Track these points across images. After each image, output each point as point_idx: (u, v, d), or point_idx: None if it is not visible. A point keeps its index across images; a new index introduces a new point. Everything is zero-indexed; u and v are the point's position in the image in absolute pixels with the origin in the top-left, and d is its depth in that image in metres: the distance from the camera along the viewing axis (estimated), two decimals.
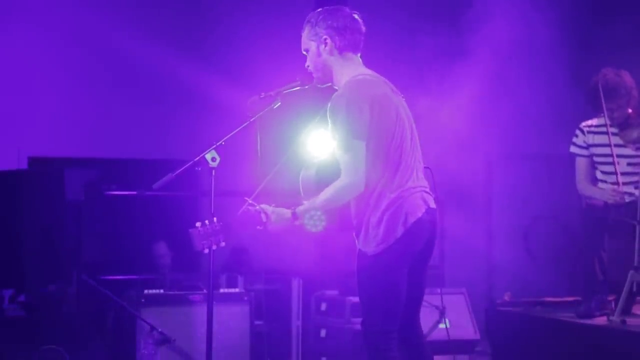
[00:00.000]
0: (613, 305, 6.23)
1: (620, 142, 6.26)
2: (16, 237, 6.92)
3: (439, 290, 6.67)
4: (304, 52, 4.56)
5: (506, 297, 7.14)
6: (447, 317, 6.59)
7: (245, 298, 6.46)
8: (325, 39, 4.47)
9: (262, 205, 4.39)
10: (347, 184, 4.27)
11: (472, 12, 7.57)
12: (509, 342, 6.79)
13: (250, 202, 4.41)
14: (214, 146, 4.57)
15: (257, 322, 6.75)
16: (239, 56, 8.49)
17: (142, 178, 6.42)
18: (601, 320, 6.19)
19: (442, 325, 6.65)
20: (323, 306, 7.30)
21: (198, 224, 4.41)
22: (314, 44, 4.49)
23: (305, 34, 4.53)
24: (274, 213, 4.36)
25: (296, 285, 7.15)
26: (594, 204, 6.35)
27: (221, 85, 8.11)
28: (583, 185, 6.46)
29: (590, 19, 8.44)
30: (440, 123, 7.23)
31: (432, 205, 4.42)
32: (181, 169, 4.56)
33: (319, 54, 4.49)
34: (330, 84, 4.54)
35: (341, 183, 4.28)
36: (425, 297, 4.63)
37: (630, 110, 6.29)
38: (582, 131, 6.44)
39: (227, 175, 4.80)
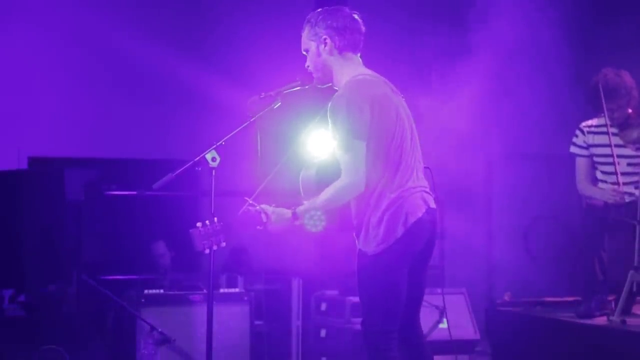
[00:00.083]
0: (613, 305, 6.22)
1: (620, 142, 6.26)
2: (16, 237, 6.92)
3: (439, 290, 6.68)
4: (304, 52, 4.56)
5: (506, 297, 7.14)
6: (447, 317, 6.59)
7: (245, 298, 6.46)
8: (325, 39, 4.47)
9: (263, 206, 4.39)
10: (348, 184, 4.27)
11: (473, 12, 7.57)
12: (509, 342, 6.79)
13: (250, 202, 4.41)
14: (214, 146, 4.56)
15: (257, 322, 6.75)
16: (239, 56, 8.49)
17: (142, 178, 6.42)
18: (601, 320, 6.19)
19: (442, 325, 6.65)
20: (323, 306, 7.29)
21: (199, 224, 4.41)
22: (314, 44, 4.49)
23: (305, 34, 4.53)
24: (274, 213, 4.36)
25: (296, 285, 7.15)
26: (594, 204, 6.35)
27: (221, 85, 8.11)
28: (583, 186, 6.46)
29: (592, 19, 8.42)
30: (440, 123, 7.23)
31: (432, 205, 4.42)
32: (181, 169, 4.56)
33: (318, 54, 4.49)
34: (330, 84, 4.54)
35: (341, 183, 4.28)
36: (425, 297, 4.63)
37: (630, 111, 6.29)
38: (582, 131, 6.44)
39: (227, 175, 4.80)
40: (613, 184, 6.27)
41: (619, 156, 6.22)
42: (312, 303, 7.36)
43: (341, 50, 4.48)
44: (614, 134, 6.25)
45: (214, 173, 4.58)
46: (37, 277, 6.93)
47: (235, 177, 5.73)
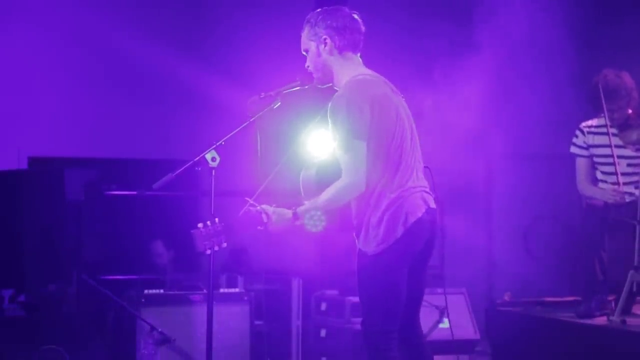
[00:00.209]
0: (613, 305, 6.22)
1: (620, 142, 6.26)
2: (16, 237, 6.92)
3: (439, 290, 6.69)
4: (304, 53, 4.56)
5: (506, 297, 7.14)
6: (447, 317, 6.59)
7: (245, 298, 6.46)
8: (325, 39, 4.47)
9: (263, 206, 4.39)
10: (348, 184, 4.28)
11: (474, 12, 7.57)
12: (509, 342, 6.79)
13: (251, 202, 4.41)
14: (214, 146, 4.57)
15: (257, 322, 6.74)
16: (239, 56, 8.49)
17: (142, 178, 6.42)
18: (601, 320, 6.19)
19: (442, 325, 6.66)
20: (323, 306, 7.30)
21: (200, 225, 4.41)
22: (314, 44, 4.50)
23: (305, 34, 4.53)
24: (275, 213, 4.37)
25: (296, 285, 7.15)
26: (594, 204, 6.35)
27: (221, 85, 8.11)
28: (583, 186, 6.46)
29: (596, 19, 8.41)
30: (441, 123, 7.23)
31: (432, 205, 4.42)
32: (181, 169, 4.56)
33: (318, 54, 4.50)
34: (330, 84, 4.54)
35: (342, 183, 4.29)
36: (425, 297, 4.63)
37: (630, 111, 6.29)
38: (582, 132, 6.44)
39: (227, 175, 4.80)
40: (613, 184, 6.27)
41: (618, 157, 6.22)
42: (312, 303, 7.36)
43: (341, 50, 4.48)
44: (614, 135, 6.25)
45: (214, 173, 4.58)
46: (37, 277, 6.92)
47: (235, 177, 5.73)
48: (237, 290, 6.69)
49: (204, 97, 8.31)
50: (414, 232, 4.32)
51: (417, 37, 8.39)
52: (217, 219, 4.44)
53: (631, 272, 6.00)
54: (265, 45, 8.26)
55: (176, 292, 6.39)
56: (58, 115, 8.27)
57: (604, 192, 6.30)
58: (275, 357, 7.09)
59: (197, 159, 4.56)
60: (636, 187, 6.23)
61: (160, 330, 6.03)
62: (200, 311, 6.09)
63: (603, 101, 6.20)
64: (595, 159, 6.42)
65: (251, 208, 4.38)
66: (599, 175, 6.45)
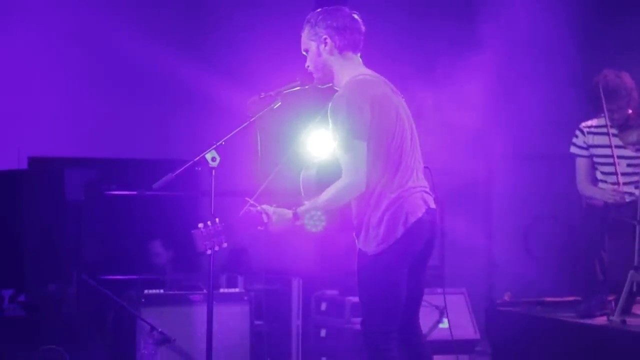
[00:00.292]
0: (613, 305, 6.22)
1: (620, 143, 6.26)
2: (16, 237, 6.91)
3: (439, 290, 6.68)
4: (304, 53, 4.56)
5: (506, 297, 7.14)
6: (447, 317, 6.59)
7: (245, 298, 6.46)
8: (325, 39, 4.47)
9: (263, 206, 4.39)
10: (348, 184, 4.28)
11: (474, 12, 7.57)
12: (509, 342, 6.79)
13: (251, 202, 4.41)
14: (214, 146, 4.57)
15: (257, 322, 6.74)
16: (239, 56, 8.48)
17: (142, 178, 6.41)
18: (601, 320, 6.19)
19: (442, 325, 6.65)
20: (323, 306, 7.30)
21: (200, 225, 4.41)
22: (314, 44, 4.50)
23: (305, 34, 4.53)
24: (275, 213, 4.37)
25: (296, 285, 7.15)
26: (594, 204, 6.35)
27: (221, 85, 8.10)
28: (583, 186, 6.46)
29: (598, 19, 8.40)
30: (441, 123, 7.23)
31: (432, 205, 4.43)
32: (181, 169, 4.56)
33: (319, 54, 4.50)
34: (330, 84, 4.54)
35: (342, 183, 4.29)
36: (425, 297, 4.63)
37: (630, 112, 6.29)
38: (582, 132, 6.44)
39: (227, 175, 4.79)
40: (613, 184, 6.27)
41: (618, 157, 6.22)
42: (312, 303, 7.36)
43: (341, 50, 4.48)
44: (614, 135, 6.25)
45: (214, 173, 4.58)
46: (37, 277, 6.92)
47: (235, 177, 5.73)
48: (237, 290, 6.69)
49: (204, 97, 8.31)
50: (414, 232, 4.32)
51: (417, 37, 8.40)
52: (217, 219, 4.44)
53: (631, 272, 6.00)
54: (265, 45, 8.26)
55: (176, 292, 6.39)
56: (58, 115, 8.26)
57: (604, 192, 6.30)
58: (275, 357, 7.09)
59: (197, 159, 4.56)
60: (636, 187, 6.23)
61: (160, 330, 6.03)
62: (200, 311, 6.09)
63: (603, 101, 6.20)
64: (595, 159, 6.42)
65: (251, 208, 4.38)
66: (599, 176, 6.45)
